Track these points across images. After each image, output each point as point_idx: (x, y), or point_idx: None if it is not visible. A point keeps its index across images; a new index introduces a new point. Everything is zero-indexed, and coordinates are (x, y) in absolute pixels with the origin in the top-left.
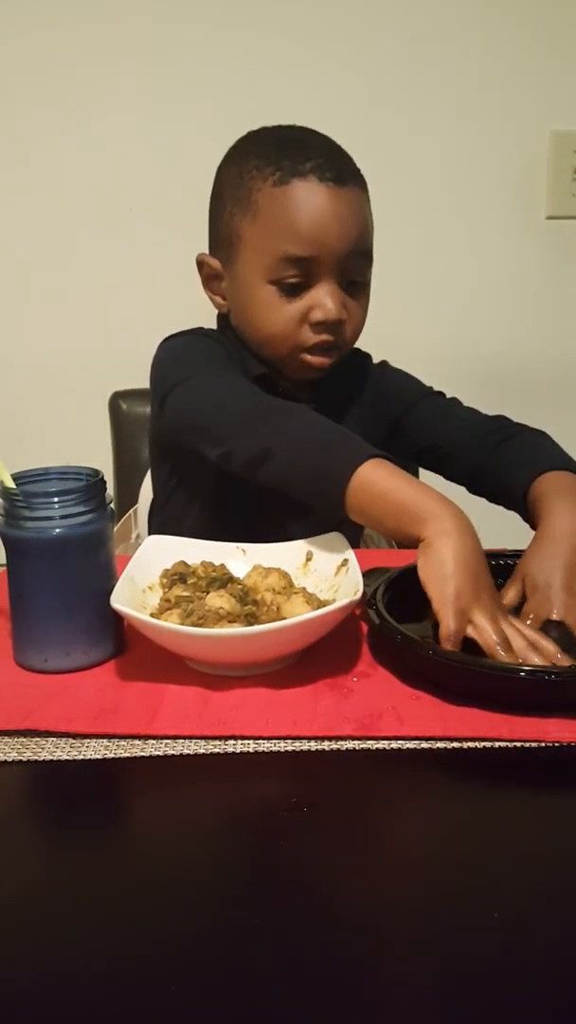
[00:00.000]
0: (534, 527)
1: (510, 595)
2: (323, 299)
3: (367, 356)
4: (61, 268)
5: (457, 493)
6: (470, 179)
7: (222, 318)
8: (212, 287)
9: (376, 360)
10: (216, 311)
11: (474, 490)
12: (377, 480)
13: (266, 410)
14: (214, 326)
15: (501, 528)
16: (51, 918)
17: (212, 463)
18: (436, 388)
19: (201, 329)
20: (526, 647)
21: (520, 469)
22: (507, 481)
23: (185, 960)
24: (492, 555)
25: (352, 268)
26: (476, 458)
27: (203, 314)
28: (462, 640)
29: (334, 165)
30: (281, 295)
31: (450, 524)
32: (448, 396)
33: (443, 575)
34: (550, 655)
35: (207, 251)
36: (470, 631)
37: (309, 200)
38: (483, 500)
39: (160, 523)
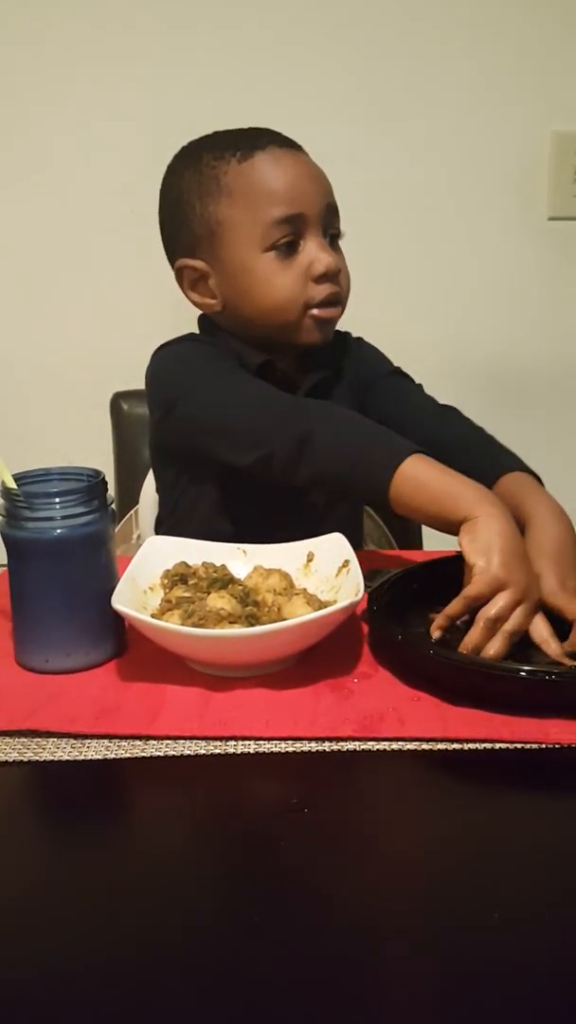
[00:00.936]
0: None
1: None
2: (318, 253)
3: (347, 333)
4: (62, 268)
5: None
6: (471, 180)
7: (205, 322)
8: (199, 290)
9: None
10: (196, 320)
11: None
12: (420, 472)
13: (297, 409)
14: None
15: None
16: (51, 918)
17: (221, 464)
18: (438, 388)
19: (192, 334)
20: (509, 635)
21: (477, 466)
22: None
23: (185, 960)
24: None
25: (329, 221)
26: (420, 439)
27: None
28: (451, 622)
29: (285, 138)
30: (279, 260)
31: (494, 508)
32: (445, 402)
33: (490, 547)
34: (553, 653)
35: (172, 267)
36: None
37: (279, 164)
38: None
39: (167, 530)
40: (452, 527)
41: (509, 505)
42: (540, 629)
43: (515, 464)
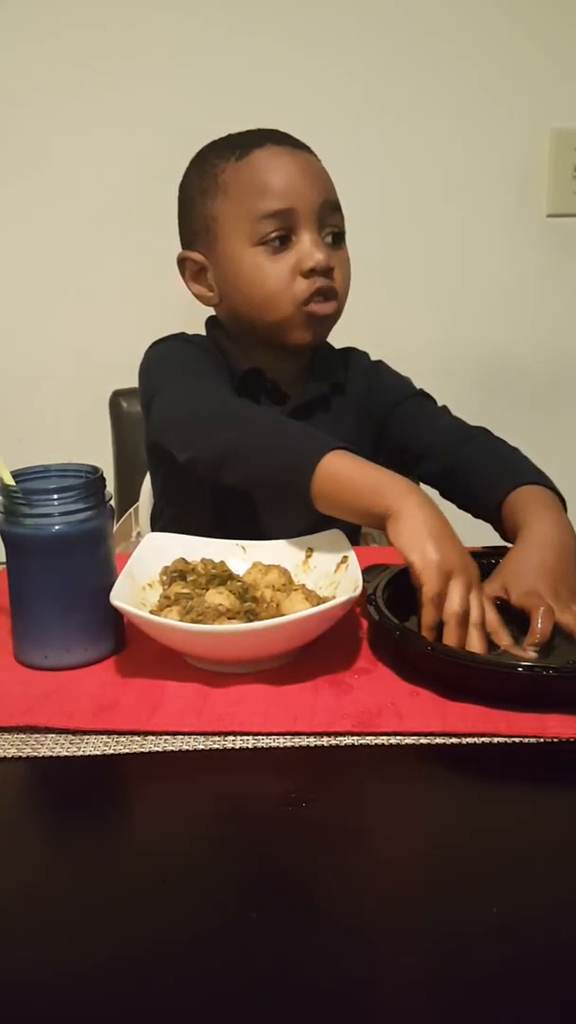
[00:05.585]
0: (507, 537)
1: (493, 587)
2: (309, 248)
3: (364, 354)
4: (61, 266)
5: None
6: (470, 177)
7: (210, 320)
8: (199, 281)
9: (375, 358)
10: (203, 317)
11: (446, 494)
12: (341, 469)
13: (230, 413)
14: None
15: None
16: (50, 913)
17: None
18: (435, 386)
19: (184, 334)
20: (477, 625)
21: (496, 479)
22: (482, 489)
23: (183, 955)
24: (486, 554)
25: (328, 219)
26: (448, 460)
27: (201, 311)
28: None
29: (287, 137)
30: (269, 254)
31: (414, 499)
32: (442, 400)
33: (420, 537)
34: (503, 644)
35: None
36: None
37: (273, 161)
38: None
39: (161, 528)
40: (377, 522)
41: (509, 516)
42: (490, 617)
43: (534, 478)
